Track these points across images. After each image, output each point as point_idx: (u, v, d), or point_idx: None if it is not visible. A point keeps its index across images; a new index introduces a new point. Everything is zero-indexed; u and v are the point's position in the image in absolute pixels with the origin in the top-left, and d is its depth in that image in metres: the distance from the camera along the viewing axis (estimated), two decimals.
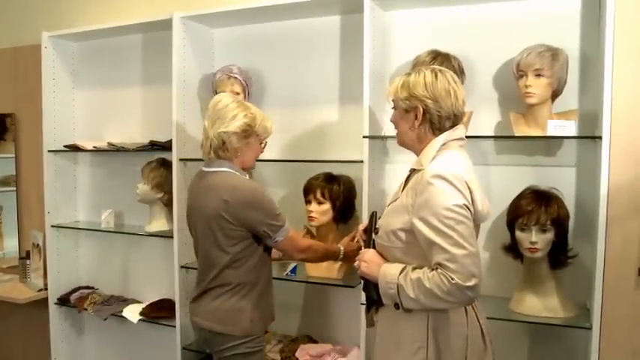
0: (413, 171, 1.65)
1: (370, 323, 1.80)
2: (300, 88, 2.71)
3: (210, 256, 2.03)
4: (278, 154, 2.73)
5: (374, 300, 1.66)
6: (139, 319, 2.91)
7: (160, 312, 2.88)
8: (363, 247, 1.78)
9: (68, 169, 3.29)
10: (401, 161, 2.44)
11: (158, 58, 2.98)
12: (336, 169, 2.54)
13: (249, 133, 2.05)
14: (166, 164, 2.85)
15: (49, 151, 3.14)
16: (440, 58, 2.22)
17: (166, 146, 2.75)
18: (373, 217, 1.78)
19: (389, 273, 1.59)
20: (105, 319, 3.03)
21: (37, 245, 3.29)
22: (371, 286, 1.66)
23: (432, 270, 1.51)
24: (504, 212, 2.16)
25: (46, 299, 3.20)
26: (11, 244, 3.63)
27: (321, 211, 2.42)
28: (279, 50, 2.75)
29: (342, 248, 2.26)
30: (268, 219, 2.00)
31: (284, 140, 2.73)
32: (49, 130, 3.15)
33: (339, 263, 2.38)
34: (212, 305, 2.04)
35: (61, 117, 3.21)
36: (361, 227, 1.87)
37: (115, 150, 2.98)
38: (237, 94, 2.61)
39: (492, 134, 2.32)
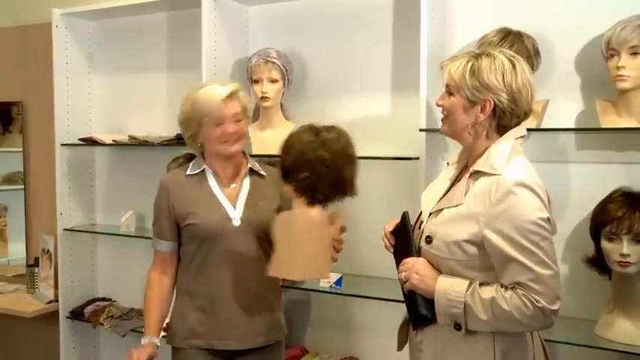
0: (476, 173, 1.64)
1: (403, 343, 1.82)
2: (346, 74, 2.74)
3: None
4: None
5: (424, 318, 1.67)
6: (162, 336, 2.95)
7: None
8: (395, 256, 1.79)
9: (84, 166, 3.39)
10: None
11: (186, 40, 3.04)
12: (387, 167, 2.57)
13: (186, 125, 2.17)
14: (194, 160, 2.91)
15: (62, 144, 3.22)
16: (511, 37, 2.22)
17: None
18: (407, 218, 1.78)
19: (452, 290, 1.60)
20: (123, 336, 3.09)
21: (48, 251, 3.39)
22: (421, 302, 1.67)
23: (508, 289, 1.54)
24: (587, 218, 2.16)
25: (56, 312, 3.28)
26: (18, 250, 3.73)
27: None
28: (324, 31, 2.78)
29: None
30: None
31: None
32: (62, 121, 3.23)
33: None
34: None
35: (75, 106, 3.29)
36: (388, 228, 1.84)
37: (138, 144, 3.04)
38: (276, 81, 2.67)
39: (573, 126, 2.30)
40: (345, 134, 1.95)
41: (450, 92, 1.68)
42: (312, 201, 1.92)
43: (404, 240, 1.76)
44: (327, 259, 1.90)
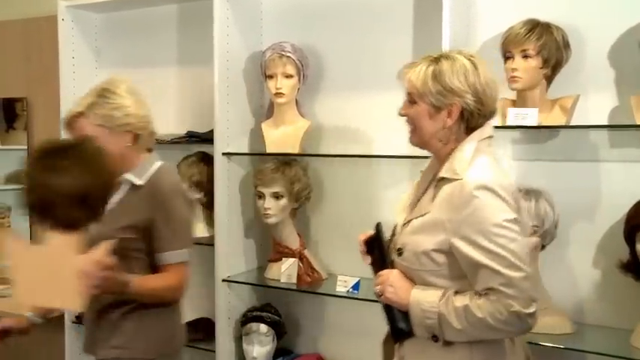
0: (442, 180, 1.64)
1: (389, 358, 1.81)
2: (364, 69, 2.73)
3: None
4: (337, 148, 2.76)
5: (402, 331, 1.67)
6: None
7: (196, 333, 2.89)
8: (372, 267, 1.78)
9: None
10: None
11: (197, 33, 3.02)
12: (406, 165, 2.56)
13: None
14: (207, 159, 2.90)
15: None
16: (538, 29, 2.21)
17: (207, 138, 2.79)
18: (380, 230, 1.77)
19: (425, 300, 1.61)
20: None
21: None
22: (398, 315, 1.67)
23: (481, 296, 1.54)
24: (621, 220, 2.13)
25: (61, 317, 3.26)
26: None
27: None
28: (341, 24, 2.77)
29: None
30: None
31: (344, 131, 2.76)
32: None
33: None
34: None
35: None
36: (362, 237, 1.82)
37: None
38: (291, 76, 2.65)
39: (606, 123, 2.28)
40: (69, 158, 1.78)
41: (412, 100, 1.68)
42: (51, 226, 1.79)
43: (378, 251, 1.77)
44: (72, 291, 1.70)
